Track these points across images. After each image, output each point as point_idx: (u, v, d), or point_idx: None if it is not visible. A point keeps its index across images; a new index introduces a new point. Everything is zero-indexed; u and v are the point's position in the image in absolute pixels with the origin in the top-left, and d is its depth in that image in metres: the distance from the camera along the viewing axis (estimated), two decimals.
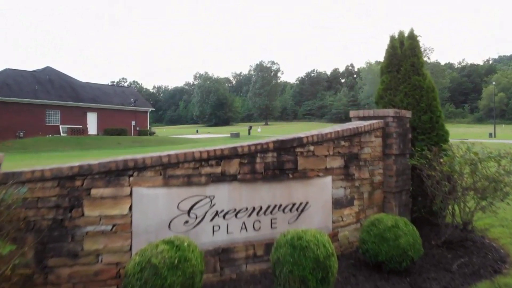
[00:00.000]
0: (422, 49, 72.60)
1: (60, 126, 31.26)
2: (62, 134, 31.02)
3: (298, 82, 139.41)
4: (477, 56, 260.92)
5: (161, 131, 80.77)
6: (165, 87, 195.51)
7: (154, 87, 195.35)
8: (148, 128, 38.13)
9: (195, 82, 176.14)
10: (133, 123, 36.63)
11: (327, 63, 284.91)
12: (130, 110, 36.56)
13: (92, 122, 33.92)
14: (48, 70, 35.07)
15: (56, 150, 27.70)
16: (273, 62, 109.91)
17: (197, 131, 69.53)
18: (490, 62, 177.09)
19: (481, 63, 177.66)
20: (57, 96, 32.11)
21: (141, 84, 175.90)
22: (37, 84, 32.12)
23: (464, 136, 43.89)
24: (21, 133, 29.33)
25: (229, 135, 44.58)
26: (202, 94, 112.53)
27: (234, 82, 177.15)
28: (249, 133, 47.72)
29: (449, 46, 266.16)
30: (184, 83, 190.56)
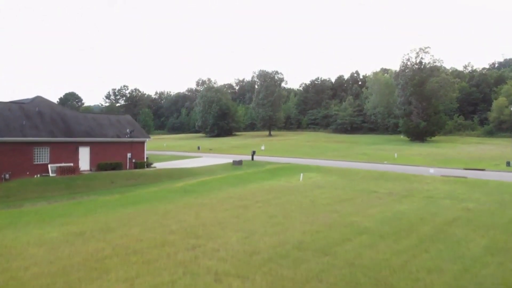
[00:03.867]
0: (431, 61, 69.86)
1: (49, 166, 29.04)
2: (51, 175, 28.81)
3: (302, 89, 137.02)
4: (481, 58, 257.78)
5: (162, 145, 78.59)
6: (167, 93, 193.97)
7: (156, 93, 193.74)
8: (145, 160, 35.87)
9: (197, 88, 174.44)
10: (128, 155, 34.42)
11: (331, 70, 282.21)
12: (125, 141, 34.32)
13: (84, 157, 31.70)
14: (37, 101, 32.89)
15: (43, 197, 25.48)
16: (276, 72, 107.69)
17: (199, 148, 67.29)
18: (496, 65, 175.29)
19: (487, 66, 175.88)
20: (46, 131, 29.90)
21: (143, 91, 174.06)
22: (25, 118, 29.94)
23: (480, 163, 40.69)
24: (7, 175, 27.16)
25: (231, 161, 42.24)
26: (204, 104, 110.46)
27: (237, 88, 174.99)
28: (252, 158, 45.33)
29: (452, 48, 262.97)
30: (186, 89, 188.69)
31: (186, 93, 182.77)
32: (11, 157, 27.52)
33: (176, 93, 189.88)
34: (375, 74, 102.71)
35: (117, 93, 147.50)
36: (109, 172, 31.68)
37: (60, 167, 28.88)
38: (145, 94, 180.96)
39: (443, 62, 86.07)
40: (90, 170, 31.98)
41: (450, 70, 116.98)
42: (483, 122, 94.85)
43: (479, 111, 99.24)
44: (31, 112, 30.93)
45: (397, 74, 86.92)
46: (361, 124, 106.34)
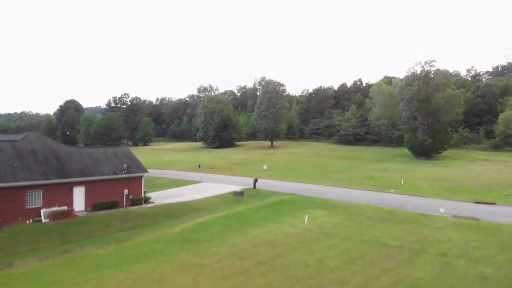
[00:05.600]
0: (436, 75, 67.98)
1: (42, 211, 27.73)
2: (43, 220, 27.50)
3: (304, 98, 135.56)
4: (485, 61, 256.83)
5: (162, 161, 77.22)
6: (168, 99, 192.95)
7: (157, 99, 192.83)
8: (143, 196, 34.53)
9: (199, 95, 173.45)
10: (125, 191, 33.08)
11: (334, 77, 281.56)
12: (122, 177, 32.99)
13: (79, 197, 30.41)
14: (30, 138, 31.62)
15: (35, 250, 24.16)
16: (279, 84, 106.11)
17: (199, 166, 65.91)
18: (500, 68, 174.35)
19: (490, 69, 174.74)
20: (39, 173, 28.61)
21: (144, 98, 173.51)
22: (17, 159, 28.67)
23: (490, 193, 38.49)
24: None
25: (233, 192, 40.89)
26: (205, 115, 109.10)
27: (238, 95, 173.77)
28: (254, 186, 43.93)
29: (455, 51, 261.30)
30: (187, 95, 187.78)
31: (187, 99, 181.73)
32: (3, 203, 26.28)
33: (177, 99, 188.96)
34: (379, 85, 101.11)
35: (117, 101, 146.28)
36: (105, 213, 30.38)
37: (52, 212, 27.59)
38: (146, 101, 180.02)
39: (452, 75, 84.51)
40: (85, 210, 30.69)
41: (455, 79, 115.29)
42: (489, 134, 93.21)
43: (484, 122, 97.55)
44: (23, 151, 29.67)
45: (402, 88, 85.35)
46: (364, 135, 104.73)
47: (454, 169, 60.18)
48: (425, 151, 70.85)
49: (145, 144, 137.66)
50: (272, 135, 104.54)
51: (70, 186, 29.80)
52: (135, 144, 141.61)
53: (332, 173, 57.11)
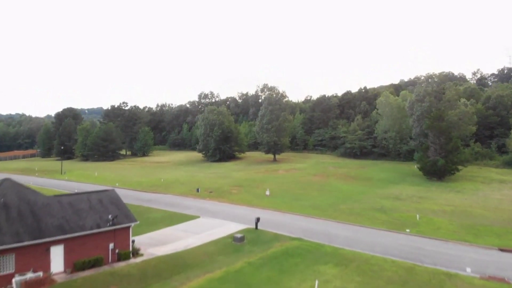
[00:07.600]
0: (448, 90, 63.85)
1: (14, 280, 24.25)
2: None
3: (308, 108, 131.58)
4: (486, 61, 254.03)
5: (159, 180, 73.71)
6: (169, 105, 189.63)
7: (157, 106, 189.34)
8: (130, 248, 30.91)
9: (200, 101, 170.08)
10: (111, 246, 29.50)
11: (338, 84, 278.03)
12: (107, 230, 29.42)
13: (57, 257, 26.92)
14: (4, 188, 28.08)
15: None
16: (282, 95, 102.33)
17: (198, 190, 62.30)
18: (505, 71, 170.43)
19: (496, 71, 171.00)
20: (11, 233, 25.13)
21: (143, 107, 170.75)
22: None
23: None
24: None
25: (232, 236, 37.24)
26: (206, 127, 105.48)
27: (240, 101, 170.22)
28: (256, 227, 40.26)
29: (457, 51, 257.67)
30: (188, 102, 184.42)
31: (188, 106, 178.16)
32: None
33: (178, 106, 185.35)
34: (386, 96, 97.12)
35: (116, 110, 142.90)
36: (86, 276, 26.80)
37: (25, 281, 24.09)
38: (146, 107, 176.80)
39: (459, 89, 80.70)
40: (65, 271, 27.16)
41: (463, 87, 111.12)
42: (501, 148, 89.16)
43: (496, 136, 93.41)
44: None
45: (412, 103, 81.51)
46: (371, 149, 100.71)
47: (470, 195, 56.33)
48: (437, 172, 66.96)
49: (143, 155, 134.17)
50: (274, 149, 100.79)
51: (46, 246, 26.26)
52: (134, 154, 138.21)
53: (340, 201, 53.33)
